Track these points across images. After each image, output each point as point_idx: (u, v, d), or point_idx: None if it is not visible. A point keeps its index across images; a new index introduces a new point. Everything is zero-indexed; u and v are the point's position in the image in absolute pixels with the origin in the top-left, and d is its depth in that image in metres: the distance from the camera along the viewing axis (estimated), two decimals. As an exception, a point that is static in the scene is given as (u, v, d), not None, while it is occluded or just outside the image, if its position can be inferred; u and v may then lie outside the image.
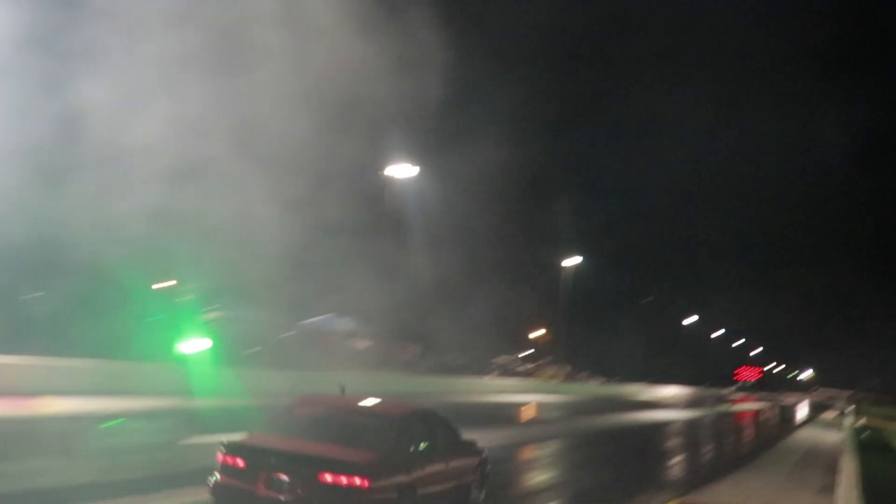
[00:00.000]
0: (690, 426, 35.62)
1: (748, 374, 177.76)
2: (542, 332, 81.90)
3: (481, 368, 52.96)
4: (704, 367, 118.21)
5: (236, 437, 8.26)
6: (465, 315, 64.73)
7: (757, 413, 57.29)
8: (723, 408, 58.74)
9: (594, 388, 62.44)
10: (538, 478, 15.06)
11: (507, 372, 55.46)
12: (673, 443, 26.63)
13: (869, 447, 31.08)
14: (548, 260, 63.07)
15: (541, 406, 34.99)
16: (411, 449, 8.78)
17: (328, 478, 7.56)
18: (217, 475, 7.96)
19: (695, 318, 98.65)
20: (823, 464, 22.50)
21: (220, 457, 7.99)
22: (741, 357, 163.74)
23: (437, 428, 9.66)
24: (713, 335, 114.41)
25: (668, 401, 61.11)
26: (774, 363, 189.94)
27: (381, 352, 41.88)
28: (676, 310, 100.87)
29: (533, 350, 76.87)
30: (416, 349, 47.81)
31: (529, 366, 62.81)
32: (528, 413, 30.10)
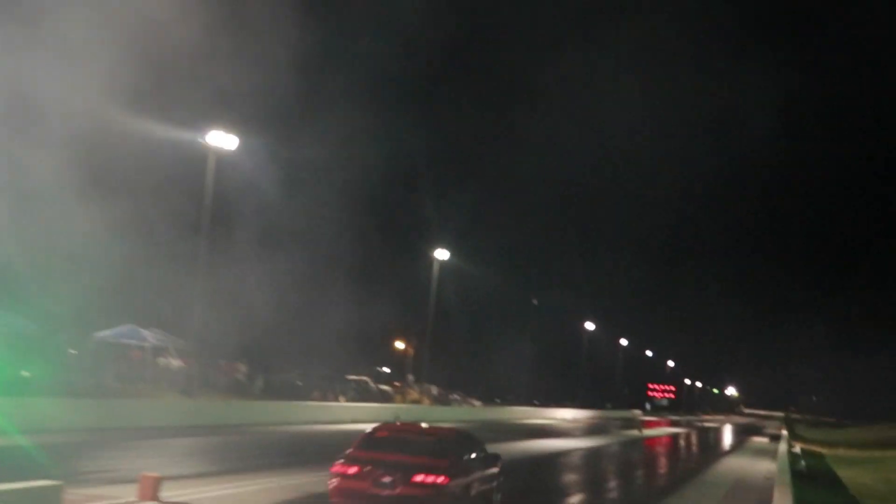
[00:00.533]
0: (592, 457, 36.68)
1: (661, 393, 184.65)
2: (403, 345, 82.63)
3: (328, 390, 52.92)
4: (608, 386, 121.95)
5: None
6: (309, 326, 64.58)
7: (673, 439, 59.69)
8: (632, 433, 60.80)
9: (470, 412, 63.48)
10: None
11: (361, 394, 55.65)
12: (570, 479, 27.40)
13: (807, 478, 32.92)
14: (414, 260, 63.78)
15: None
16: (464, 458, 15.20)
17: (419, 478, 13.69)
18: (335, 480, 14.08)
19: (593, 326, 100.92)
20: (754, 500, 23.72)
21: (337, 467, 14.15)
22: (652, 372, 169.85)
23: (474, 443, 16.59)
24: (619, 346, 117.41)
25: (563, 426, 62.82)
26: (690, 380, 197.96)
27: (198, 372, 41.17)
28: (572, 318, 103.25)
29: (389, 370, 77.45)
30: (243, 369, 47.27)
31: (387, 387, 63.20)
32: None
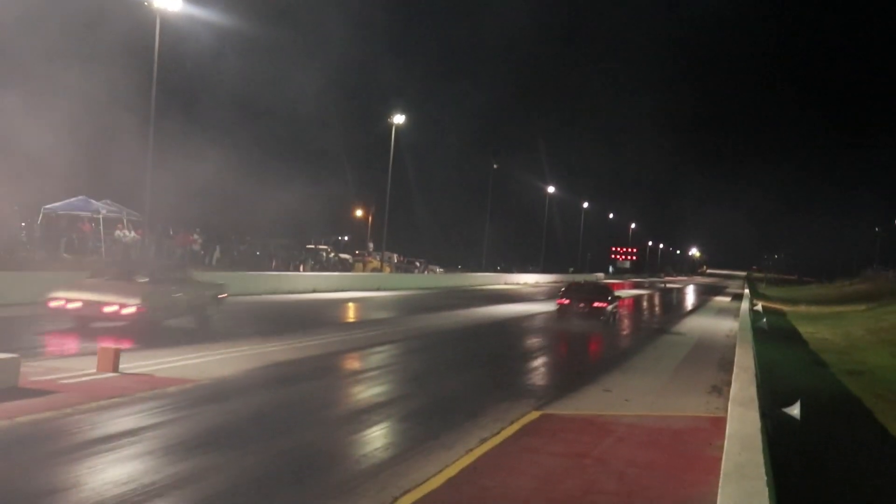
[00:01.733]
0: (554, 320, 37.25)
1: (624, 255, 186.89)
2: (362, 213, 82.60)
3: (288, 260, 52.96)
4: (572, 250, 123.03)
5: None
6: (268, 196, 64.16)
7: (636, 301, 60.54)
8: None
9: (432, 279, 63.88)
10: (365, 393, 15.43)
11: (321, 264, 55.81)
12: (534, 342, 27.80)
13: (768, 336, 33.70)
14: (374, 127, 63.07)
15: (365, 304, 35.62)
16: (611, 297, 34.95)
17: (596, 304, 33.16)
18: (558, 305, 34.10)
19: (554, 189, 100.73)
20: (715, 358, 24.22)
21: (558, 301, 34.14)
22: (616, 235, 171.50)
23: (612, 292, 36.64)
24: (582, 208, 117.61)
25: (526, 290, 63.47)
26: (653, 242, 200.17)
27: (153, 245, 40.95)
28: (535, 182, 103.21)
29: (349, 238, 77.57)
30: (198, 239, 47.03)
31: (348, 256, 63.40)
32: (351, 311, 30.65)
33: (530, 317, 36.81)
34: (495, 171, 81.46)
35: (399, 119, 55.25)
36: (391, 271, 62.47)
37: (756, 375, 14.53)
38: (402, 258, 73.89)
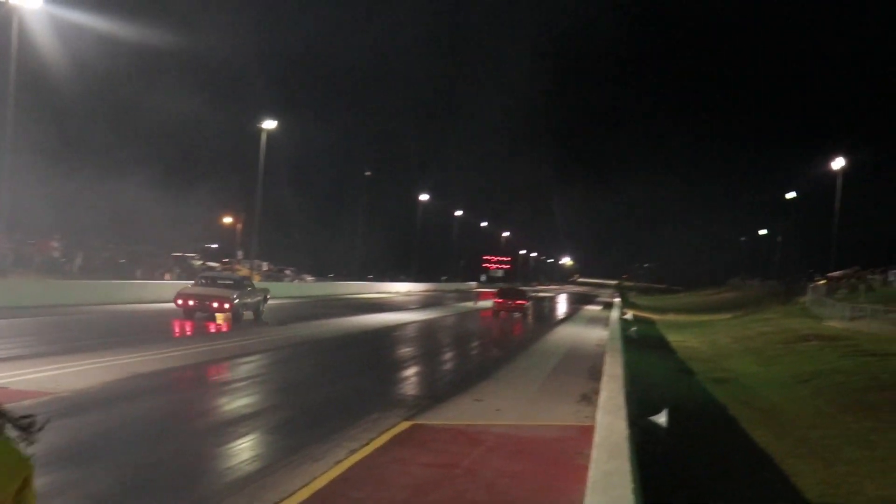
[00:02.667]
0: (428, 329, 37.39)
1: (496, 264, 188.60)
2: (232, 220, 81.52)
3: (153, 269, 51.94)
4: (444, 259, 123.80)
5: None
6: (131, 202, 62.69)
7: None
8: (467, 305, 62.13)
9: (302, 287, 63.55)
10: (232, 405, 15.23)
11: (188, 272, 54.89)
12: (405, 352, 27.91)
13: (637, 345, 34.45)
14: (244, 131, 62.24)
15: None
16: (527, 298, 54.64)
17: (519, 302, 50.71)
18: (494, 303, 50.46)
19: (427, 197, 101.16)
20: (586, 367, 24.64)
21: (495, 300, 50.53)
22: (488, 244, 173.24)
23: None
24: (454, 217, 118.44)
25: (398, 300, 63.64)
26: (526, 251, 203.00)
27: (6, 250, 39.61)
28: (407, 191, 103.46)
29: (218, 246, 76.50)
30: (57, 246, 45.73)
31: (216, 264, 62.51)
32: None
33: (402, 326, 36.90)
34: (369, 181, 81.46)
35: (270, 124, 54.71)
36: (261, 280, 61.82)
37: (625, 384, 14.85)
38: (271, 266, 73.17)
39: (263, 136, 54.46)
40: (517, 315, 48.70)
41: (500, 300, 50.24)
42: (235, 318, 30.03)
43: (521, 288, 67.37)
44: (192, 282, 33.69)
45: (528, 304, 53.43)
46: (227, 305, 29.88)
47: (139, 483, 9.58)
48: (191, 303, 30.00)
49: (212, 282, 32.48)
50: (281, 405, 15.39)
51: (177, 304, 29.97)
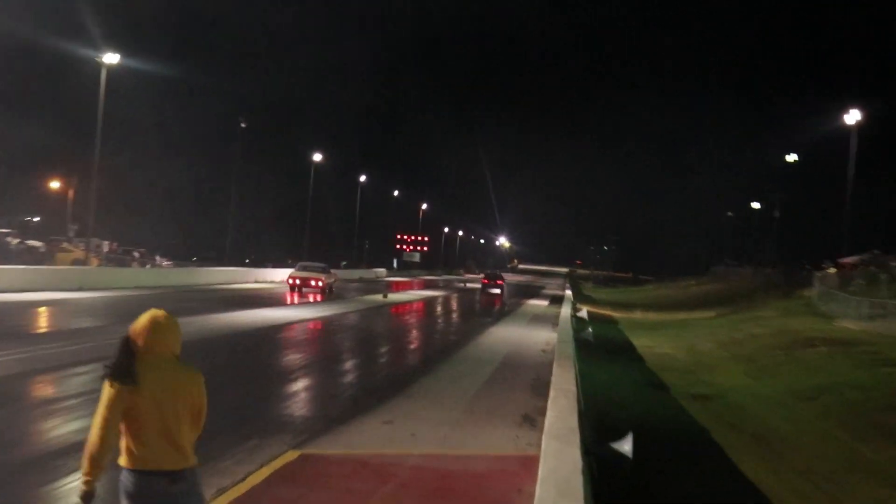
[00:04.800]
0: (322, 331, 37.12)
1: (412, 245, 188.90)
2: (60, 185, 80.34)
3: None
4: (345, 239, 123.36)
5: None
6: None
7: (427, 305, 61.24)
8: (374, 298, 61.92)
9: (156, 275, 62.67)
10: (61, 429, 14.97)
11: (1, 254, 54.03)
12: (293, 359, 27.66)
13: (595, 351, 34.63)
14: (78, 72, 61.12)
15: (62, 308, 34.71)
16: (503, 278, 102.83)
17: (499, 282, 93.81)
18: (482, 283, 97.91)
19: (320, 157, 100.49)
20: (528, 379, 24.68)
21: (482, 280, 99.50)
22: (402, 219, 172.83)
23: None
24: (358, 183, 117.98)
25: (282, 291, 63.27)
26: (449, 228, 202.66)
27: None
28: (301, 151, 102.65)
29: (40, 219, 75.42)
30: None
31: (39, 243, 61.58)
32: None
33: (288, 326, 36.60)
34: (246, 135, 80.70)
35: (112, 58, 53.67)
36: (100, 264, 61.03)
37: (578, 401, 14.88)
38: (115, 246, 72.33)
39: (104, 74, 53.40)
40: (438, 310, 53.28)
41: (486, 280, 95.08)
42: (327, 291, 57.58)
43: (498, 272, 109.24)
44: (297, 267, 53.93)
45: (505, 283, 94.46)
46: (321, 283, 60.01)
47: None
48: (297, 282, 54.88)
49: (308, 267, 62.63)
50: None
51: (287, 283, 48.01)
